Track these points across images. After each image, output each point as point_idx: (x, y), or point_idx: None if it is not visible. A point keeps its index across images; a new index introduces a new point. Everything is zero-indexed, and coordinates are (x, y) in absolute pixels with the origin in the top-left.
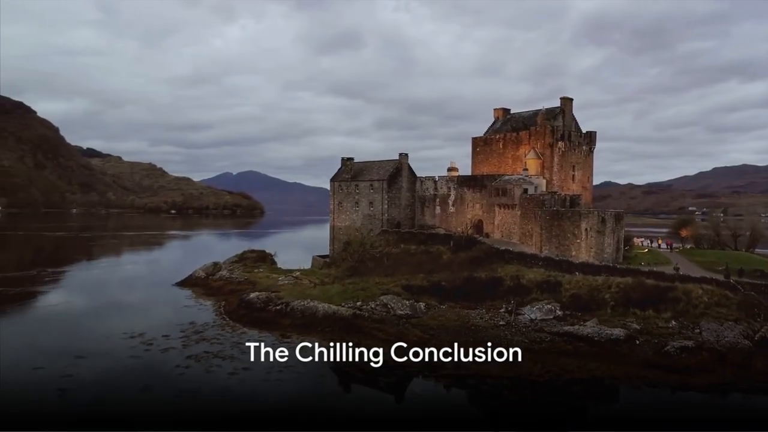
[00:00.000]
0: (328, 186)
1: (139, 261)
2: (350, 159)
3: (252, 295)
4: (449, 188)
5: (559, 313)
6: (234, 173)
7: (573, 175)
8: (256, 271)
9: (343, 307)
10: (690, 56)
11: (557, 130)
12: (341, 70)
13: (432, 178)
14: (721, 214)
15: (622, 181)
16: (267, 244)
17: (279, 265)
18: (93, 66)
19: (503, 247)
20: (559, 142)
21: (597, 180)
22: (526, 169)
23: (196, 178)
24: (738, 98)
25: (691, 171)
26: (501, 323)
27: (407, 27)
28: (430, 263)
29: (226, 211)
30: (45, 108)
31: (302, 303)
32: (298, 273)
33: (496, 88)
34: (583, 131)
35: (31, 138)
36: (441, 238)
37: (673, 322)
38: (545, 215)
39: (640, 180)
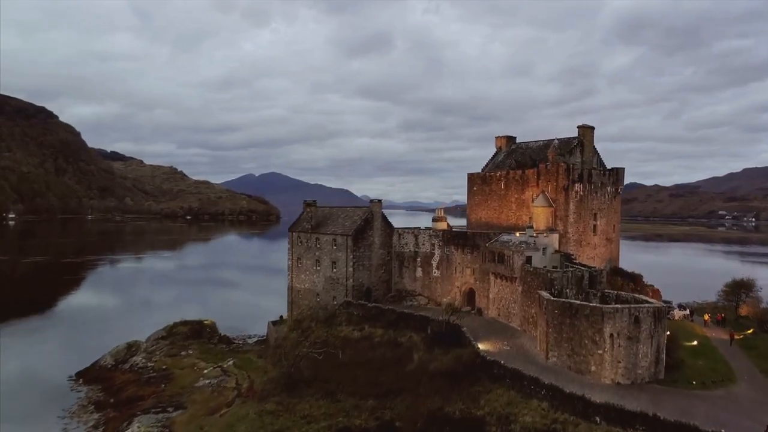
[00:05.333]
0: (350, 187)
1: (73, 319)
2: (313, 203)
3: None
4: (433, 245)
5: None
6: (257, 175)
7: (594, 226)
8: (182, 354)
9: None
10: (726, 55)
11: (574, 168)
12: (370, 72)
13: (412, 231)
14: (753, 219)
15: (648, 183)
16: (262, 263)
17: (224, 332)
18: (126, 70)
19: (492, 356)
20: (576, 185)
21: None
22: (531, 226)
23: (220, 179)
24: None
25: (721, 172)
26: None
27: (436, 28)
28: (393, 368)
29: (242, 217)
30: (78, 111)
31: None
32: (231, 362)
33: (524, 88)
34: (608, 165)
35: (52, 142)
36: (416, 321)
37: None
38: (553, 309)
39: (668, 181)
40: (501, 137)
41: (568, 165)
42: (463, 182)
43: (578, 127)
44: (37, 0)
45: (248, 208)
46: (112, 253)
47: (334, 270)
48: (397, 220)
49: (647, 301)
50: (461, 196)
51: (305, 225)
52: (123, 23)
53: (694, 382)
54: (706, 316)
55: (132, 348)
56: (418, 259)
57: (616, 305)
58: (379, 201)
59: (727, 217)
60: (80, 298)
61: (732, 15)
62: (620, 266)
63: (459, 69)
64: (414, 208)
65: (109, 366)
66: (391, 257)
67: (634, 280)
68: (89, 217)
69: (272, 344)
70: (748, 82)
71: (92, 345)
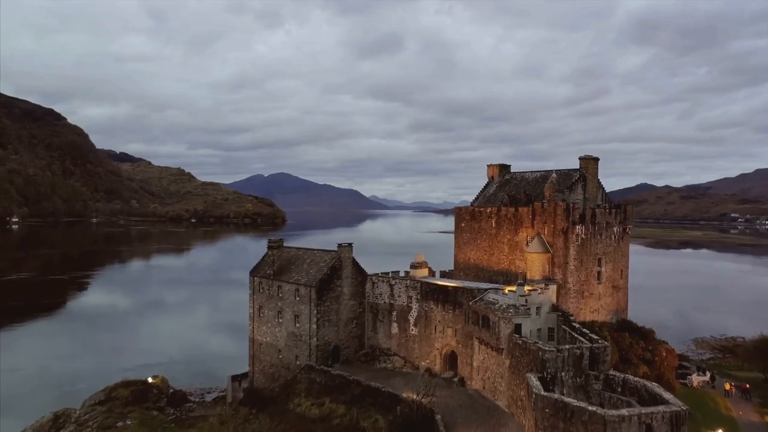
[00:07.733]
0: (359, 188)
1: (21, 365)
2: (279, 242)
3: None
4: (410, 298)
5: None
6: (265, 175)
7: (598, 272)
8: (119, 425)
9: None
10: (740, 55)
11: (575, 208)
12: (381, 73)
13: (387, 280)
14: (766, 222)
15: (659, 183)
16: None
17: (180, 386)
18: (140, 72)
19: None
20: (577, 226)
21: (633, 181)
22: (521, 283)
23: (229, 180)
24: None
25: (733, 172)
26: None
27: (448, 30)
28: None
29: (247, 220)
30: (92, 113)
31: None
32: None
33: (536, 89)
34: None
35: (60, 144)
36: (384, 398)
37: None
38: (543, 406)
39: (679, 182)
40: (493, 165)
41: (567, 204)
42: (472, 183)
43: (580, 158)
44: (51, 2)
45: (254, 211)
46: (103, 267)
47: (297, 325)
48: (406, 221)
49: (662, 398)
50: (470, 197)
51: (267, 269)
52: (138, 25)
53: None
54: (728, 385)
55: (59, 419)
56: (394, 313)
57: (623, 411)
58: (350, 245)
59: (739, 219)
60: (41, 333)
61: (747, 15)
62: (629, 317)
63: (470, 70)
64: (423, 208)
65: None
66: (364, 308)
67: (644, 336)
68: (94, 220)
69: (215, 423)
70: (762, 82)
71: (24, 407)
